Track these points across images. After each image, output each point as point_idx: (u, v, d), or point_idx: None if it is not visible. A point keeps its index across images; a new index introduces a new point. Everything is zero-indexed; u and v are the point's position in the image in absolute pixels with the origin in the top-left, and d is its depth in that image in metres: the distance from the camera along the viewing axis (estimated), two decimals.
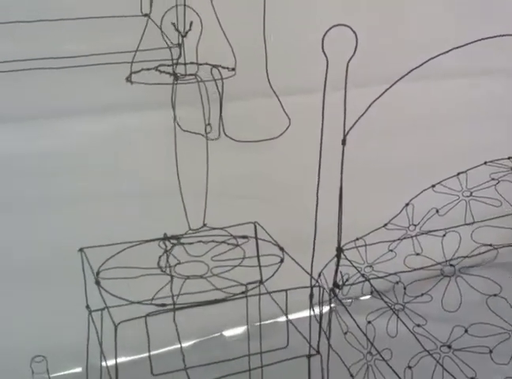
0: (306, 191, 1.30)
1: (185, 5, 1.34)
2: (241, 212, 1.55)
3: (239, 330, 1.81)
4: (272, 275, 1.35)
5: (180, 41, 1.36)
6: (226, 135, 1.50)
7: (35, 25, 1.29)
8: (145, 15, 1.34)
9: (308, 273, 1.33)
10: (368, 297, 1.63)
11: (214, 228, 1.50)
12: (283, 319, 1.65)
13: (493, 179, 1.66)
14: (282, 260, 1.40)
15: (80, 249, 1.40)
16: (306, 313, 1.43)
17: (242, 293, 1.27)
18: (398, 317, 1.43)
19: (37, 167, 1.46)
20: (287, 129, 1.54)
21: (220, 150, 1.50)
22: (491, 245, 1.61)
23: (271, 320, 1.75)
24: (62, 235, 1.50)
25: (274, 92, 1.53)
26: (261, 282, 1.38)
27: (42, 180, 1.47)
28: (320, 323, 1.40)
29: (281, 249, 1.44)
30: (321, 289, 1.34)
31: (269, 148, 1.56)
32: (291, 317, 1.62)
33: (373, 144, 1.71)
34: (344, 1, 1.56)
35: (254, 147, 1.54)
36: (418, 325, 1.54)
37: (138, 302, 1.23)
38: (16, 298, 1.53)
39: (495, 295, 1.69)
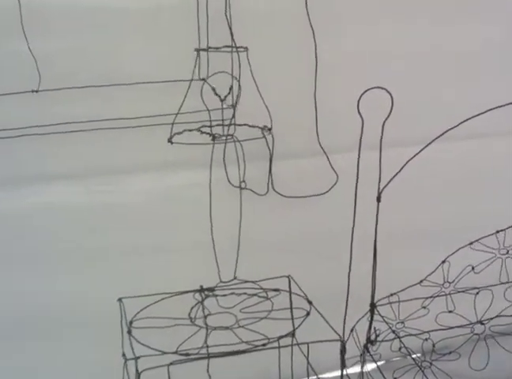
0: (344, 246, 1.33)
1: (233, 75, 1.41)
2: (279, 265, 1.57)
3: None
4: (298, 327, 1.39)
5: (234, 102, 1.42)
6: (274, 190, 1.56)
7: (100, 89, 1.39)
8: (202, 79, 1.41)
9: (333, 329, 1.35)
10: (397, 353, 1.63)
11: (246, 281, 1.54)
12: (328, 375, 1.71)
13: None
14: (308, 314, 1.42)
15: (119, 299, 1.45)
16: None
17: (263, 345, 1.30)
18: (424, 375, 1.43)
19: (75, 221, 1.51)
20: (334, 185, 1.59)
21: (268, 205, 1.57)
22: None
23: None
24: (101, 286, 1.53)
25: (323, 150, 1.58)
26: (293, 334, 1.43)
27: (81, 233, 1.51)
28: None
29: (309, 302, 1.46)
30: (342, 343, 1.35)
31: (314, 204, 1.60)
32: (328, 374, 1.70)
33: (411, 201, 1.71)
34: (386, 62, 1.60)
35: (299, 203, 1.59)
36: None
37: (163, 352, 1.26)
38: (57, 347, 1.56)
39: None
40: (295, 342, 1.43)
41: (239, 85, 1.41)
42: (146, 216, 1.54)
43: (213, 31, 1.42)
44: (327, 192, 1.59)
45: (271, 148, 1.50)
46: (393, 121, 1.21)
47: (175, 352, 1.27)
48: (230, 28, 1.39)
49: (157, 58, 1.43)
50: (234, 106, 1.43)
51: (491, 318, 1.59)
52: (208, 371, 1.45)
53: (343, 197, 1.35)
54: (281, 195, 1.57)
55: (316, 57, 1.50)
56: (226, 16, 1.38)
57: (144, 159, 1.51)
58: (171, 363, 1.22)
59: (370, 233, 1.32)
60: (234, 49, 1.38)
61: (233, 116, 1.44)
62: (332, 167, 1.59)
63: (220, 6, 1.39)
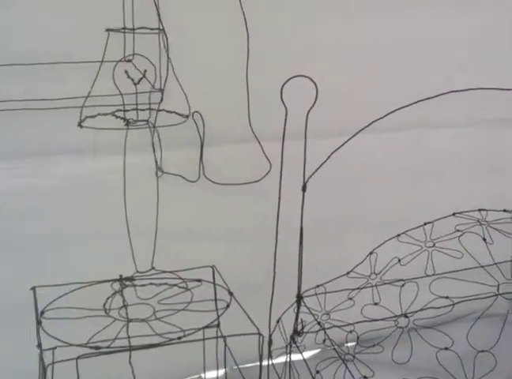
0: (272, 236, 1.32)
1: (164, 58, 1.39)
2: (206, 254, 1.56)
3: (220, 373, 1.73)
4: (218, 317, 1.37)
5: (162, 86, 1.39)
6: (206, 177, 1.53)
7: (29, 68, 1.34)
8: (129, 60, 1.37)
9: (252, 321, 1.34)
10: (321, 345, 1.63)
11: (164, 271, 1.50)
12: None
13: (458, 231, 1.66)
14: (228, 306, 1.40)
15: (32, 288, 1.40)
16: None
17: (183, 337, 1.28)
18: (347, 368, 1.43)
19: None
20: (267, 173, 1.56)
21: (199, 192, 1.55)
22: (447, 297, 1.59)
23: (252, 364, 1.69)
24: (17, 275, 1.49)
25: (256, 137, 1.56)
26: (217, 325, 1.42)
27: None
28: (260, 371, 1.40)
29: (230, 293, 1.45)
30: (261, 337, 1.33)
31: (245, 192, 1.58)
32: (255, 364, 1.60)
33: (339, 192, 1.71)
34: (317, 51, 1.59)
35: (230, 190, 1.56)
36: (365, 377, 1.56)
37: (69, 344, 1.23)
38: None
39: (446, 349, 1.69)
40: (217, 334, 1.42)
41: (167, 69, 1.38)
42: (64, 202, 1.49)
43: (142, 13, 1.36)
44: (260, 180, 1.57)
45: (202, 134, 1.47)
46: (320, 111, 1.20)
47: (85, 345, 1.23)
48: (157, 9, 1.36)
49: (83, 38, 1.38)
50: (162, 90, 1.40)
51: (415, 311, 1.59)
52: (130, 362, 1.42)
53: (275, 185, 1.34)
54: (212, 182, 1.55)
55: (248, 42, 1.47)
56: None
57: (65, 142, 1.45)
58: (79, 357, 1.19)
59: (297, 223, 1.31)
60: (149, 30, 1.34)
61: (161, 100, 1.40)
62: (265, 155, 1.57)
63: None
